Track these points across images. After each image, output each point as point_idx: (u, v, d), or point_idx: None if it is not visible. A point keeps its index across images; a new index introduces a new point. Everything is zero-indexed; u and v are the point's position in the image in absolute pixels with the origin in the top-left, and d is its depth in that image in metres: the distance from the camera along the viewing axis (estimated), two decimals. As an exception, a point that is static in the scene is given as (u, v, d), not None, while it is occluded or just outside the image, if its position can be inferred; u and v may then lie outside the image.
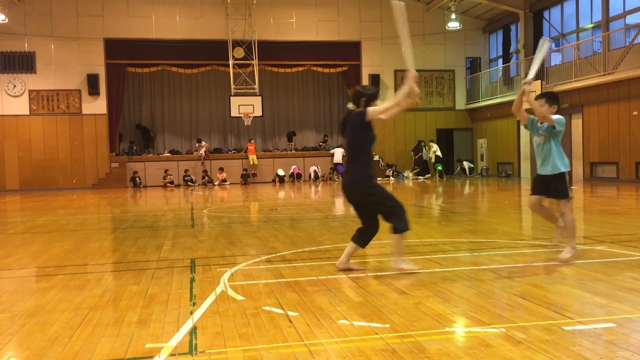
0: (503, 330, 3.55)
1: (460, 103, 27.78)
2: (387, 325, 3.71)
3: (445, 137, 27.82)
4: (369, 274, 5.35)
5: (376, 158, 26.33)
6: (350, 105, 5.37)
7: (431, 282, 4.92)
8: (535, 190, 5.84)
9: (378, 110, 5.23)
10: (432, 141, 26.36)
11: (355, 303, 4.31)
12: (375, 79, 26.39)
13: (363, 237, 5.40)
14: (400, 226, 5.15)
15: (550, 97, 5.70)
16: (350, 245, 5.46)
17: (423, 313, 3.99)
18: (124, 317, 4.10)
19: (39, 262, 6.56)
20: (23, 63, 23.69)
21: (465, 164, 26.35)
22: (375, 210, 5.29)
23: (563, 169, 5.63)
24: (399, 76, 26.88)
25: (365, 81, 26.50)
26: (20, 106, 23.70)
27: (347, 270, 5.45)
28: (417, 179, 25.10)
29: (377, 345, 3.34)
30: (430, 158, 25.82)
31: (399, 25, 5.31)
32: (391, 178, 25.18)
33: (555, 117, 5.61)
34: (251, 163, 25.56)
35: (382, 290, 4.70)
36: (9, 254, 7.12)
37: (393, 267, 5.32)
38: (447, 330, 3.60)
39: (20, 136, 23.68)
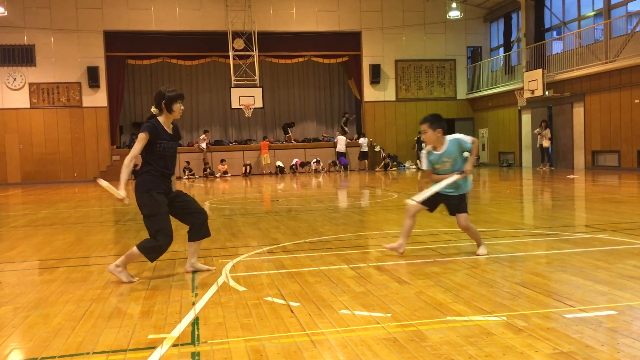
0: (504, 318, 3.55)
1: (462, 93, 27.70)
2: (389, 315, 3.72)
3: (446, 127, 27.74)
4: (370, 264, 5.35)
5: (377, 149, 26.31)
6: (154, 109, 5.00)
7: (432, 272, 4.92)
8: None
9: (136, 145, 4.89)
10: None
11: (356, 293, 4.32)
12: (375, 69, 26.32)
13: (197, 233, 5.23)
14: (149, 252, 4.91)
15: (433, 121, 5.55)
16: (190, 245, 5.28)
17: (424, 302, 4.00)
18: (127, 308, 4.11)
19: (42, 255, 6.58)
20: (23, 56, 23.62)
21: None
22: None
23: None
24: (400, 66, 26.80)
25: (365, 72, 26.43)
26: (20, 99, 23.68)
27: (198, 270, 5.29)
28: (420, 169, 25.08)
29: (379, 335, 3.35)
30: None
31: None
32: (391, 168, 25.17)
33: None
34: (263, 162, 25.42)
35: (384, 280, 4.71)
36: (11, 247, 7.13)
37: (110, 270, 4.99)
38: (448, 319, 3.60)
39: (21, 129, 23.68)
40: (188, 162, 24.84)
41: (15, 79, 23.58)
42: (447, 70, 27.40)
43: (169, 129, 5.01)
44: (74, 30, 23.91)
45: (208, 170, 24.91)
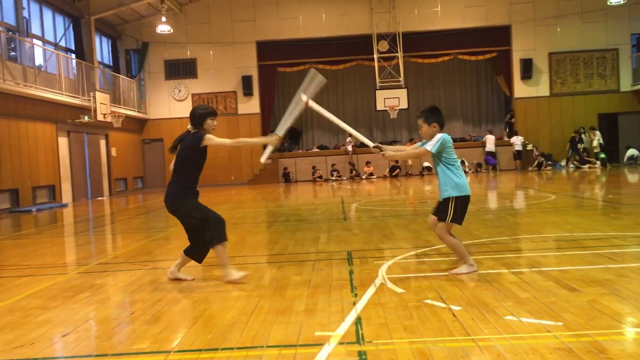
0: (697, 333, 3.21)
1: (626, 84, 25.39)
2: (560, 324, 3.52)
3: (608, 122, 25.59)
4: (532, 269, 5.10)
5: (529, 147, 24.99)
6: (190, 127, 5.33)
7: (605, 279, 4.58)
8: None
9: (215, 141, 5.21)
10: (594, 128, 24.31)
11: (521, 299, 4.15)
12: (527, 63, 25.03)
13: (198, 253, 5.40)
14: (218, 238, 5.10)
15: (428, 115, 5.17)
16: (182, 256, 5.44)
17: (599, 311, 3.73)
18: (292, 305, 4.31)
19: (211, 253, 7.07)
20: (186, 69, 25.78)
21: (631, 152, 24.04)
22: (190, 223, 5.27)
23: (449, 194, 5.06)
24: (554, 59, 25.24)
25: (516, 67, 25.25)
26: (184, 109, 25.74)
27: (177, 279, 5.43)
28: (581, 167, 23.32)
29: (551, 344, 3.19)
30: (595, 147, 23.87)
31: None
32: (545, 168, 23.78)
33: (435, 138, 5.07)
34: (409, 164, 25.36)
35: (550, 286, 4.47)
36: (184, 246, 7.77)
37: (224, 280, 5.19)
38: (629, 330, 3.33)
39: (185, 137, 25.78)
40: (334, 165, 25.43)
41: (180, 91, 25.79)
42: (608, 60, 25.29)
43: None
44: (229, 43, 25.57)
45: (354, 172, 25.30)
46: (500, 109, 28.23)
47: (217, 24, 25.60)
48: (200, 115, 5.28)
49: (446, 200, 5.08)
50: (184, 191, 5.26)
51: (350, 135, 6.30)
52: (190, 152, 5.27)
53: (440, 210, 5.13)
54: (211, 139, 5.24)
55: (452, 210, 5.05)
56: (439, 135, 5.11)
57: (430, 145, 5.08)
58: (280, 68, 26.23)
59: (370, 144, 5.36)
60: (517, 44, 25.28)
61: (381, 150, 5.25)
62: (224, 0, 25.49)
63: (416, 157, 5.24)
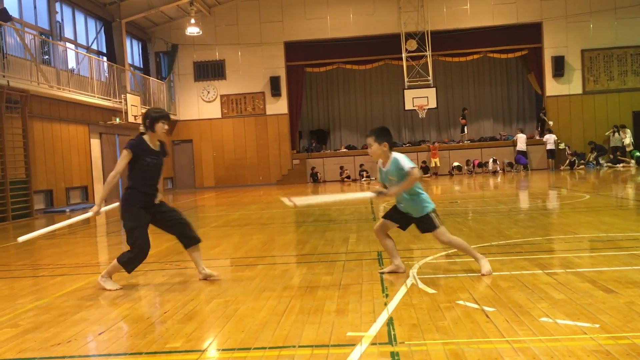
0: None
1: (662, 81, 24.76)
2: (597, 326, 3.45)
3: (392, 142, 24.85)
4: (567, 270, 5.01)
5: (562, 146, 24.55)
6: (141, 127, 5.32)
7: (643, 281, 4.47)
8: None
9: (118, 165, 5.27)
10: (624, 126, 23.79)
11: (556, 300, 4.07)
12: (559, 61, 24.60)
13: (189, 237, 5.40)
14: (126, 264, 5.22)
15: (379, 134, 5.08)
16: (190, 254, 5.46)
17: (637, 313, 3.65)
18: (323, 305, 4.31)
19: (241, 253, 7.16)
20: (215, 71, 26.01)
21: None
22: (161, 220, 5.38)
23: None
24: (587, 56, 24.75)
25: (547, 64, 24.84)
26: (213, 110, 26.05)
27: (207, 279, 5.43)
28: (615, 167, 22.80)
29: (588, 346, 3.12)
30: (627, 145, 23.32)
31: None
32: (578, 167, 23.33)
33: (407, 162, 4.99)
34: (433, 165, 25.16)
35: (586, 287, 4.38)
36: (214, 245, 7.86)
37: (98, 280, 5.37)
38: (669, 334, 3.25)
39: (214, 138, 26.03)
40: (362, 165, 25.37)
41: (209, 92, 26.04)
42: (643, 57, 24.70)
43: (154, 146, 5.29)
44: (257, 44, 25.72)
45: (382, 172, 25.19)
46: (531, 107, 27.82)
47: (245, 25, 25.76)
48: (152, 119, 5.28)
49: (426, 217, 5.14)
50: (125, 200, 5.28)
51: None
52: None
53: (426, 224, 5.14)
54: (122, 157, 5.26)
55: (436, 218, 5.15)
56: (398, 155, 5.09)
57: (408, 165, 4.99)
58: (308, 68, 26.27)
59: (370, 193, 5.22)
60: (549, 41, 24.87)
61: (382, 192, 5.11)
62: (252, 2, 25.64)
63: (413, 181, 5.02)
